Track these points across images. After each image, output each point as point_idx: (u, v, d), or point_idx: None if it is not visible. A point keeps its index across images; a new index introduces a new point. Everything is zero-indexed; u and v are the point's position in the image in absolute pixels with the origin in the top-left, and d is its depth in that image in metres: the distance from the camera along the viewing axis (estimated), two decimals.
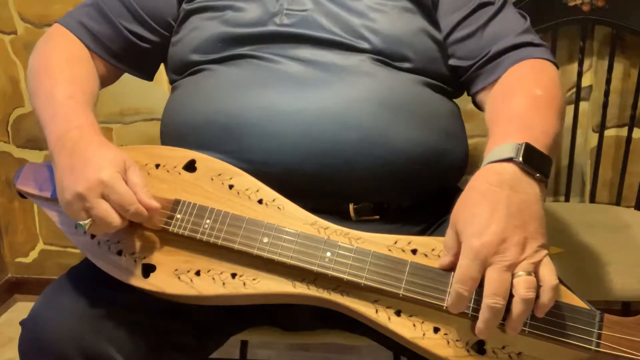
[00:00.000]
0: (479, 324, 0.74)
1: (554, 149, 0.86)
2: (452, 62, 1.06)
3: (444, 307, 0.79)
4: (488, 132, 0.90)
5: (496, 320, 0.73)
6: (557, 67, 1.01)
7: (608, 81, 1.55)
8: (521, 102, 0.91)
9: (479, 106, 1.07)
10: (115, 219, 0.83)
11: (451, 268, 0.78)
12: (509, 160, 0.79)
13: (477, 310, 0.78)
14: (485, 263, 0.73)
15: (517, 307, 0.72)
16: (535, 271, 0.74)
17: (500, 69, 1.00)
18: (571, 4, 1.52)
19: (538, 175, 0.78)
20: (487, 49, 1.02)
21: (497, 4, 1.05)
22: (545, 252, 0.75)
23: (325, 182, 0.94)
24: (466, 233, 0.76)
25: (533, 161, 0.78)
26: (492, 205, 0.76)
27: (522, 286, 0.72)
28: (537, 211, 0.77)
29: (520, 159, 0.78)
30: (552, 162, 0.81)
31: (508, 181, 0.78)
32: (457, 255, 0.77)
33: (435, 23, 1.06)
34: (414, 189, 0.99)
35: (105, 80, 1.12)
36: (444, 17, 1.06)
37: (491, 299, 0.72)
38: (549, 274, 0.73)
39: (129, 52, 1.11)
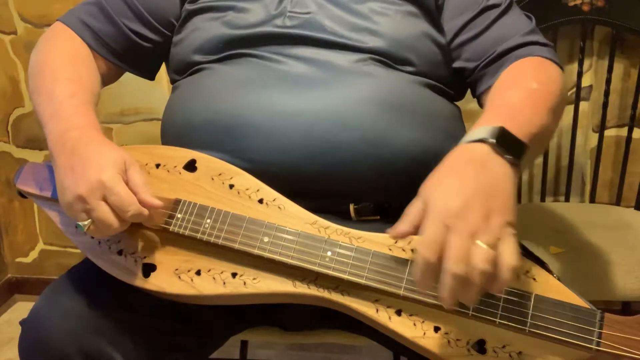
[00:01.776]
0: (442, 291, 0.70)
1: (538, 140, 0.86)
2: (457, 64, 1.06)
3: (445, 307, 0.79)
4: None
5: (459, 287, 0.69)
6: (562, 69, 1.01)
7: (608, 81, 1.55)
8: (515, 93, 0.91)
9: (483, 103, 1.07)
10: (114, 222, 0.83)
11: (403, 235, 0.75)
12: (482, 140, 0.78)
13: (477, 309, 0.78)
14: (449, 228, 0.70)
15: (474, 278, 0.69)
16: (497, 246, 0.70)
17: (504, 67, 1.00)
18: (571, 4, 1.52)
19: (508, 156, 0.77)
20: (492, 50, 1.02)
21: (502, 6, 1.06)
22: (510, 230, 0.72)
23: (325, 182, 0.94)
24: (432, 199, 0.74)
25: (505, 143, 0.78)
26: (460, 177, 0.75)
27: (479, 257, 0.69)
28: (506, 189, 0.75)
29: (493, 140, 0.77)
30: (526, 148, 0.80)
31: (478, 158, 0.77)
32: (415, 226, 0.74)
33: (438, 27, 1.06)
34: (415, 189, 0.99)
35: (107, 79, 1.11)
36: (449, 20, 1.06)
37: (452, 264, 0.69)
38: (509, 253, 0.70)
39: (130, 51, 1.11)
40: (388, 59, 1.01)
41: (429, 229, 0.72)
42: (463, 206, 0.72)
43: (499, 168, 0.77)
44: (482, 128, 0.80)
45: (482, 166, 0.76)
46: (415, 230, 0.74)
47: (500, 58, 1.01)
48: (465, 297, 0.70)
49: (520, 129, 0.81)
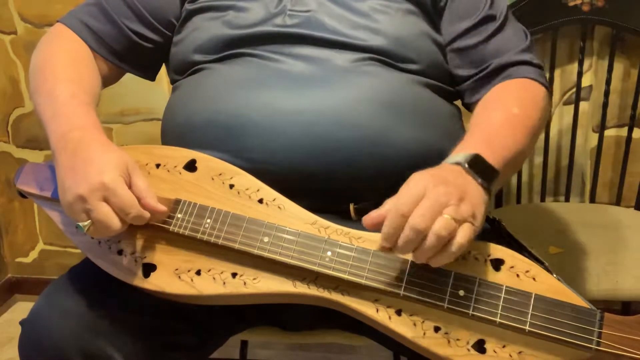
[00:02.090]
0: (399, 240, 0.75)
1: (511, 165, 0.91)
2: (450, 69, 1.07)
3: (445, 307, 0.79)
4: None
5: (414, 241, 0.74)
6: (547, 88, 1.05)
7: (608, 81, 1.55)
8: (496, 116, 0.96)
9: (470, 111, 1.10)
10: (115, 223, 0.82)
11: (378, 222, 0.77)
12: (457, 163, 0.84)
13: (477, 309, 0.78)
14: (425, 191, 0.76)
15: (427, 239, 0.74)
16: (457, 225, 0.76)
17: (492, 84, 1.04)
18: (571, 4, 1.52)
19: (480, 180, 0.82)
20: (487, 63, 1.05)
21: (499, 19, 1.07)
22: (477, 223, 0.78)
23: (325, 182, 0.94)
24: (412, 179, 0.79)
25: (477, 168, 0.83)
26: (438, 174, 0.80)
27: (440, 222, 0.74)
28: (478, 197, 0.80)
29: (466, 165, 0.83)
30: (498, 173, 0.85)
31: (456, 172, 0.82)
32: (386, 212, 0.77)
33: (436, 26, 1.07)
34: None
35: (107, 80, 1.12)
36: (449, 24, 1.07)
37: (415, 218, 0.74)
38: (465, 234, 0.75)
39: (131, 52, 1.11)
40: (388, 57, 1.01)
41: (406, 190, 0.77)
42: (442, 182, 0.77)
43: (472, 184, 0.82)
44: (459, 154, 0.85)
45: (457, 176, 0.81)
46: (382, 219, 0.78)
47: (493, 73, 1.04)
48: (416, 254, 0.76)
49: (494, 155, 0.86)
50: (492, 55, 1.05)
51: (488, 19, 1.07)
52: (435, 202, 0.75)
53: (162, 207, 0.86)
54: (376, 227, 0.78)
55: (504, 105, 0.99)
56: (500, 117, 0.96)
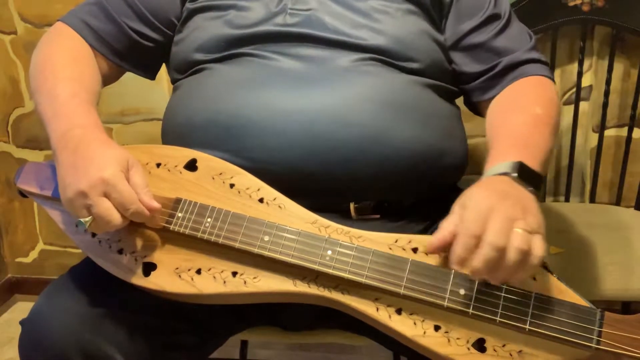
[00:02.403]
0: (476, 262, 0.73)
1: (546, 164, 0.92)
2: (457, 67, 1.08)
3: (445, 306, 0.79)
4: (488, 146, 0.95)
5: (494, 260, 0.73)
6: (554, 84, 1.06)
7: (608, 81, 1.55)
8: (521, 119, 0.96)
9: (477, 112, 1.11)
10: (115, 218, 0.83)
11: (443, 245, 0.77)
12: (505, 174, 0.83)
13: (477, 308, 0.78)
14: (492, 209, 0.75)
15: (510, 255, 0.72)
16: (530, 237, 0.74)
17: (505, 83, 1.04)
18: (571, 4, 1.52)
19: (530, 189, 0.82)
20: (495, 61, 1.05)
21: (504, 18, 1.08)
22: (542, 233, 0.76)
23: (326, 181, 0.94)
24: (471, 199, 0.77)
25: (525, 177, 0.83)
26: (494, 187, 0.80)
27: (520, 237, 0.73)
28: (535, 207, 0.79)
29: (515, 174, 0.83)
30: (542, 178, 0.86)
31: (507, 183, 0.82)
32: (452, 233, 0.76)
33: (437, 26, 1.07)
34: (415, 188, 0.99)
35: (108, 79, 1.12)
36: (455, 23, 1.08)
37: (492, 236, 0.72)
38: (539, 245, 0.74)
39: (131, 51, 1.11)
40: (389, 56, 1.01)
41: (472, 210, 0.75)
42: (503, 197, 0.77)
43: (526, 193, 0.81)
44: (502, 164, 0.85)
45: (511, 187, 0.81)
46: (450, 237, 0.77)
47: (504, 72, 1.04)
48: (494, 275, 0.74)
49: (534, 160, 0.87)
50: (500, 53, 1.05)
51: (493, 17, 1.07)
52: (506, 218, 0.74)
53: (156, 204, 0.86)
54: (440, 251, 0.79)
55: (526, 107, 0.99)
56: (526, 119, 0.96)
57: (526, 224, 0.74)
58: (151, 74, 1.18)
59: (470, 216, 0.75)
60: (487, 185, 0.81)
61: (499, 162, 0.86)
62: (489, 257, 0.72)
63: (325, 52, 1.01)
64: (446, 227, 0.77)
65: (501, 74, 1.05)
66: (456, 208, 0.78)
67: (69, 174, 0.85)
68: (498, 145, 0.92)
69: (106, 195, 0.82)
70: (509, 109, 1.01)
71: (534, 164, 0.86)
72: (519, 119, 0.96)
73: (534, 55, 1.06)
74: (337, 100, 0.95)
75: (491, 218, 0.74)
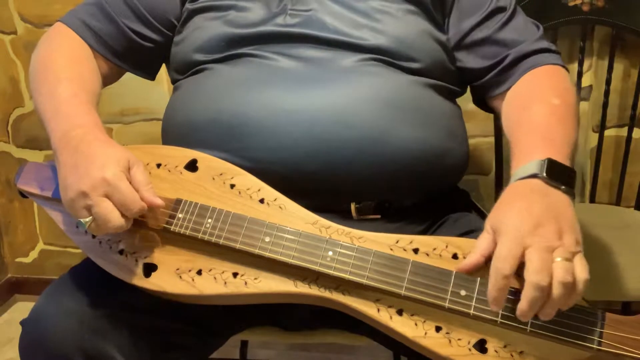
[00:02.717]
0: (522, 305, 0.72)
1: (573, 156, 0.88)
2: (464, 64, 1.07)
3: (446, 307, 0.79)
4: (510, 142, 0.93)
5: (540, 299, 0.71)
6: (568, 72, 1.03)
7: (608, 81, 1.55)
8: (540, 111, 0.93)
9: (489, 109, 1.09)
10: (116, 218, 0.82)
11: (475, 269, 0.77)
12: (534, 176, 0.81)
13: (479, 309, 0.78)
14: (524, 245, 0.73)
15: (555, 290, 0.71)
16: (571, 261, 0.73)
17: (517, 75, 1.02)
18: (571, 4, 1.52)
19: (563, 187, 0.80)
20: (503, 54, 1.04)
21: (509, 10, 1.07)
22: (580, 248, 0.75)
23: (326, 181, 0.94)
24: (503, 224, 0.76)
25: (556, 175, 0.81)
26: (526, 202, 0.77)
27: (561, 270, 0.71)
28: (569, 212, 0.78)
29: (545, 174, 0.80)
30: (575, 172, 0.83)
31: (538, 190, 0.80)
32: (485, 257, 0.76)
33: (438, 26, 1.07)
34: (416, 188, 0.99)
35: (107, 79, 1.12)
36: (457, 21, 1.07)
37: (535, 276, 0.70)
38: (582, 268, 0.73)
39: (131, 51, 1.11)
40: (389, 56, 1.01)
41: (504, 245, 0.73)
42: (536, 224, 0.74)
43: (559, 197, 0.79)
44: (529, 165, 0.82)
45: (543, 195, 0.79)
46: (483, 260, 0.77)
47: (514, 65, 1.03)
48: (543, 311, 0.73)
49: (561, 154, 0.84)
50: (507, 45, 1.04)
51: (497, 11, 1.06)
52: (544, 252, 0.72)
53: (159, 201, 0.86)
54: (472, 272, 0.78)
55: (542, 98, 0.96)
56: (545, 112, 0.93)
57: (565, 250, 0.73)
58: (151, 75, 1.18)
59: (502, 252, 0.73)
60: (518, 202, 0.78)
61: (525, 162, 0.83)
62: (534, 298, 0.71)
63: (326, 52, 1.01)
64: (479, 251, 0.77)
65: (510, 66, 1.03)
66: (488, 228, 0.78)
67: (70, 174, 0.85)
68: (521, 143, 0.89)
69: (107, 195, 0.82)
70: (526, 103, 0.98)
71: (562, 158, 0.83)
72: (538, 112, 0.93)
73: (544, 44, 1.04)
74: (338, 100, 0.95)
75: (529, 255, 0.72)
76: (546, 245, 0.72)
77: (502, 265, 0.72)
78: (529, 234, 0.73)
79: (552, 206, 0.77)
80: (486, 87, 1.06)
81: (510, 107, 1.01)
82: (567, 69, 1.03)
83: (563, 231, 0.74)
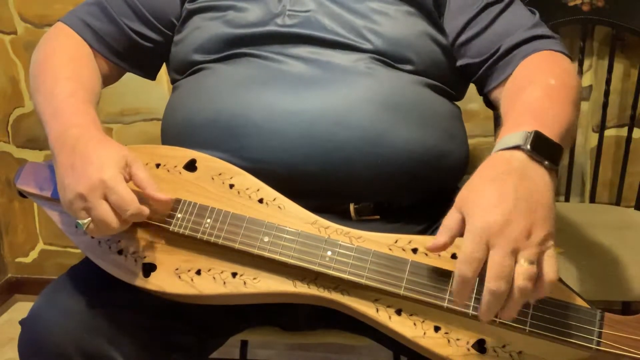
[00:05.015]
0: (482, 307, 0.70)
1: (567, 138, 0.84)
2: (462, 61, 1.06)
3: (445, 306, 0.79)
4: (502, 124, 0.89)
5: (498, 304, 0.70)
6: (571, 59, 0.99)
7: (608, 81, 1.55)
8: (534, 92, 0.89)
9: (493, 104, 1.07)
10: (113, 221, 0.82)
11: (444, 248, 0.75)
12: (517, 147, 0.77)
13: (477, 309, 0.78)
14: (489, 244, 0.70)
15: (514, 295, 0.70)
16: (538, 261, 0.71)
17: (512, 64, 0.99)
18: (571, 4, 1.52)
19: (547, 162, 0.76)
20: (497, 45, 1.01)
21: (504, 1, 1.05)
22: (551, 242, 0.72)
23: (325, 182, 0.94)
24: (472, 214, 0.73)
25: (542, 149, 0.77)
26: (500, 190, 0.74)
27: (522, 276, 0.69)
28: (547, 199, 0.74)
29: (529, 146, 0.76)
30: (562, 150, 0.80)
31: (517, 169, 0.76)
32: (452, 238, 0.74)
33: (438, 27, 1.06)
34: (415, 189, 0.99)
35: (108, 79, 1.12)
36: (451, 20, 1.06)
37: (493, 282, 0.69)
38: (550, 267, 0.71)
39: (131, 51, 1.11)
40: (388, 58, 1.01)
41: (468, 245, 0.71)
42: (504, 221, 0.71)
43: (539, 178, 0.76)
44: (514, 134, 0.78)
45: (521, 177, 0.75)
46: (451, 241, 0.75)
47: (508, 54, 1.00)
48: (503, 313, 0.71)
49: (551, 131, 0.80)
50: (500, 37, 1.01)
51: (489, 4, 1.05)
52: (507, 256, 0.70)
53: (165, 197, 0.86)
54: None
55: (537, 81, 0.92)
56: (538, 92, 0.89)
57: (530, 252, 0.70)
58: (151, 75, 1.18)
59: (467, 254, 0.71)
60: (492, 185, 0.74)
61: (511, 132, 0.79)
62: (490, 303, 0.70)
63: (325, 52, 1.01)
64: (448, 233, 0.75)
65: (503, 56, 1.00)
66: (458, 207, 0.75)
67: (67, 175, 0.85)
68: (509, 118, 0.86)
69: (105, 197, 0.82)
70: (521, 86, 0.94)
71: (551, 134, 0.79)
72: (532, 92, 0.89)
73: (536, 31, 1.01)
74: (337, 101, 0.95)
75: (490, 256, 0.70)
76: (511, 248, 0.70)
77: (465, 268, 0.70)
78: (496, 233, 0.71)
79: (527, 194, 0.73)
80: (482, 80, 1.05)
81: (506, 94, 0.98)
82: (567, 54, 0.99)
83: (534, 226, 0.72)
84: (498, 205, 0.72)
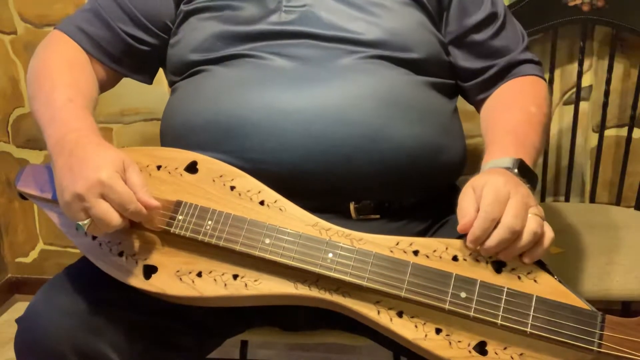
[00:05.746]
0: (490, 242, 0.80)
1: (537, 160, 0.98)
2: (456, 62, 1.09)
3: (446, 309, 0.79)
4: (484, 140, 1.00)
5: (508, 242, 0.79)
6: (546, 82, 1.13)
7: (608, 81, 1.55)
8: (518, 117, 1.01)
9: (476, 107, 1.13)
10: (114, 218, 0.82)
11: (471, 225, 0.81)
12: (507, 169, 0.88)
13: (479, 311, 0.78)
14: (508, 193, 0.81)
15: (525, 237, 0.79)
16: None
17: (503, 81, 1.08)
18: (571, 4, 1.52)
19: (528, 186, 0.87)
20: (494, 60, 1.08)
21: (501, 18, 1.10)
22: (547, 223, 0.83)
23: (325, 180, 0.94)
24: (487, 181, 0.83)
25: (524, 175, 0.88)
26: (504, 175, 0.85)
27: (535, 221, 0.80)
28: (534, 200, 0.85)
29: (516, 170, 0.88)
30: (537, 178, 0.92)
31: (509, 174, 0.87)
32: (477, 210, 0.81)
33: (433, 19, 1.08)
34: (414, 186, 1.00)
35: (105, 85, 1.12)
36: (459, 17, 1.09)
37: (511, 219, 0.79)
38: (549, 229, 0.82)
39: (127, 56, 1.11)
40: (386, 49, 1.01)
41: (490, 193, 0.81)
42: (516, 184, 0.83)
43: (526, 188, 0.86)
44: (503, 159, 0.90)
45: (516, 182, 0.86)
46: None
47: (502, 72, 1.08)
48: (506, 252, 0.80)
49: (530, 159, 0.92)
50: (499, 53, 1.09)
51: (493, 16, 1.09)
52: (523, 203, 0.81)
53: (155, 202, 0.86)
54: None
55: (522, 105, 1.03)
56: (523, 117, 1.00)
57: (538, 210, 0.82)
58: (148, 79, 1.18)
59: (489, 199, 0.80)
60: (499, 173, 0.85)
61: (499, 156, 0.91)
62: (504, 239, 0.79)
63: (323, 50, 1.01)
64: (468, 207, 0.82)
65: (497, 75, 1.08)
66: (469, 189, 0.84)
67: (65, 177, 0.85)
68: (497, 140, 0.97)
69: (103, 196, 0.82)
70: (506, 106, 1.05)
71: (530, 162, 0.91)
72: (516, 116, 1.01)
73: (528, 55, 1.10)
74: (336, 99, 0.96)
75: (510, 202, 0.80)
76: (525, 201, 0.81)
77: (489, 208, 0.80)
78: (513, 188, 0.82)
79: (523, 188, 0.85)
80: (472, 89, 1.10)
81: (489, 108, 1.08)
82: (545, 80, 1.11)
83: (535, 204, 0.83)
84: (510, 180, 0.84)
